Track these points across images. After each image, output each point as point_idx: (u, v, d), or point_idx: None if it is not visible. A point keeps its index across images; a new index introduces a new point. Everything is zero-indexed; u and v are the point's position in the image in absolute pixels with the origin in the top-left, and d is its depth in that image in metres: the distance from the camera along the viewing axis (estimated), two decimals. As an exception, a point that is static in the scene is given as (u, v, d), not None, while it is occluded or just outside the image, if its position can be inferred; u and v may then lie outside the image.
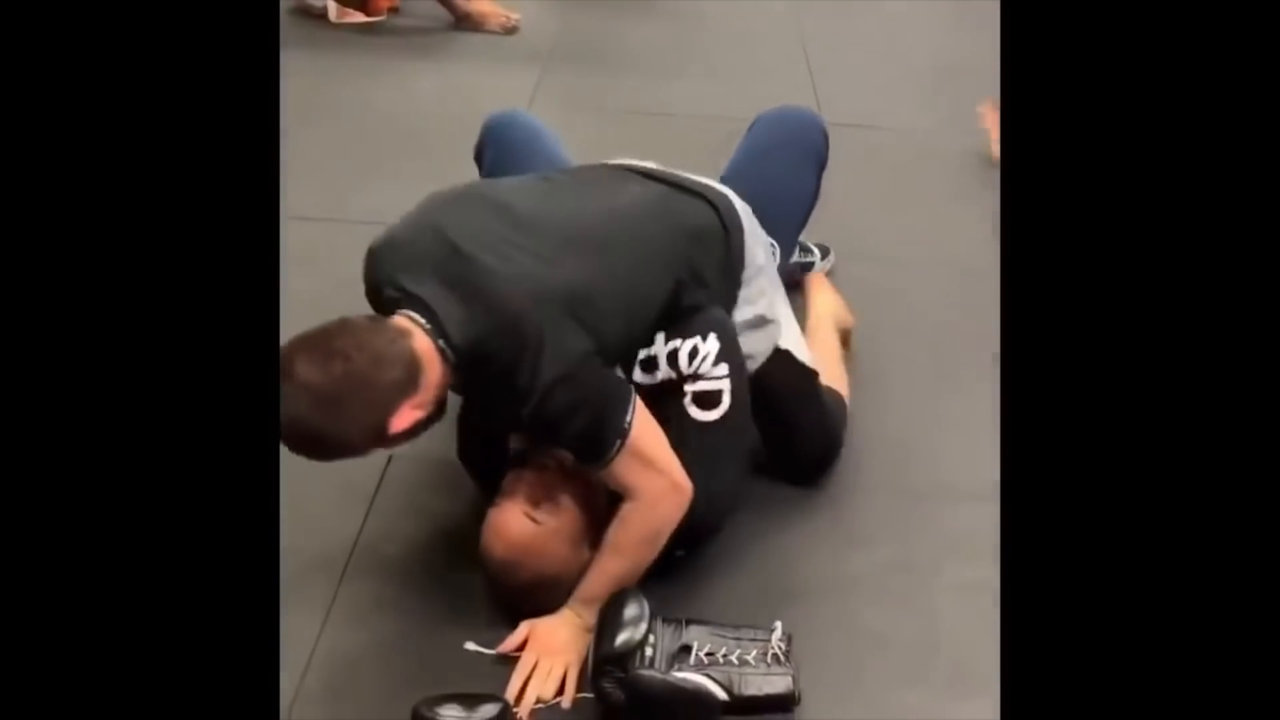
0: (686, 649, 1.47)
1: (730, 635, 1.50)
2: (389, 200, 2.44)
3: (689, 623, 1.51)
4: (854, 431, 1.94)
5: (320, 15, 3.71)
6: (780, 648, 1.49)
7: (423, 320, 1.44)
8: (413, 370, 1.40)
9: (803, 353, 1.78)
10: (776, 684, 1.45)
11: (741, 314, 1.72)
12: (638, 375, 1.61)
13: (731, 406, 1.61)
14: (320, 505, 1.80)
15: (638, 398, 1.51)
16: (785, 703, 1.46)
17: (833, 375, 1.92)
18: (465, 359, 1.44)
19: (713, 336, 1.59)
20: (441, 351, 1.43)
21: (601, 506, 1.57)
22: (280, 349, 1.34)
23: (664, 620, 1.49)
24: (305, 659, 1.55)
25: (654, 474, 1.52)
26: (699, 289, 1.63)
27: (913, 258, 2.53)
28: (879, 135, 3.07)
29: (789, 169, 1.99)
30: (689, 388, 1.59)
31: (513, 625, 1.56)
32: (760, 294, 1.74)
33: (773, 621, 1.53)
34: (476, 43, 3.67)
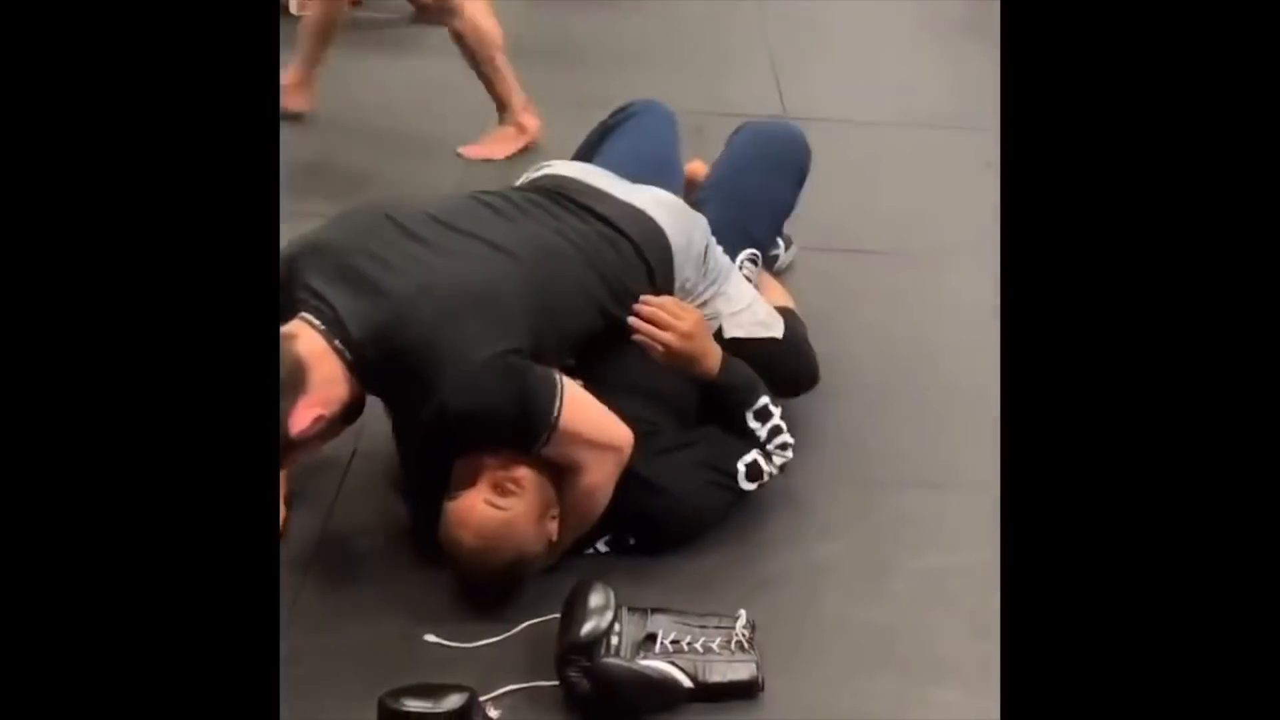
0: (651, 637, 1.48)
1: (695, 623, 1.51)
2: (348, 196, 2.44)
3: (654, 611, 1.52)
4: (815, 422, 1.96)
5: (281, 8, 3.68)
6: (744, 635, 1.50)
7: (315, 321, 1.46)
8: (297, 371, 1.42)
9: (756, 320, 1.85)
10: (740, 671, 1.46)
11: None
12: (751, 421, 1.72)
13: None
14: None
15: (565, 382, 1.53)
16: (750, 689, 1.47)
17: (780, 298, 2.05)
18: (369, 356, 1.46)
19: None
20: (338, 351, 1.45)
21: (547, 471, 1.58)
22: None
23: (629, 609, 1.50)
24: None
25: (591, 448, 1.56)
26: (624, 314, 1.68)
27: (876, 250, 2.56)
28: (841, 129, 3.09)
29: (770, 184, 2.09)
30: (757, 454, 1.71)
31: (477, 616, 1.56)
32: (699, 304, 1.80)
33: (737, 610, 1.54)
34: (440, 36, 3.64)
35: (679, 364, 1.69)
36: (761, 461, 1.71)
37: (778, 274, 2.34)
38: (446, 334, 1.47)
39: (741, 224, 1.99)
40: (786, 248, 2.38)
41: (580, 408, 1.54)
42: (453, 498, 1.55)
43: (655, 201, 1.82)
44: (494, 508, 1.52)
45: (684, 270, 1.79)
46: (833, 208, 2.68)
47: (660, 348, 1.66)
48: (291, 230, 1.73)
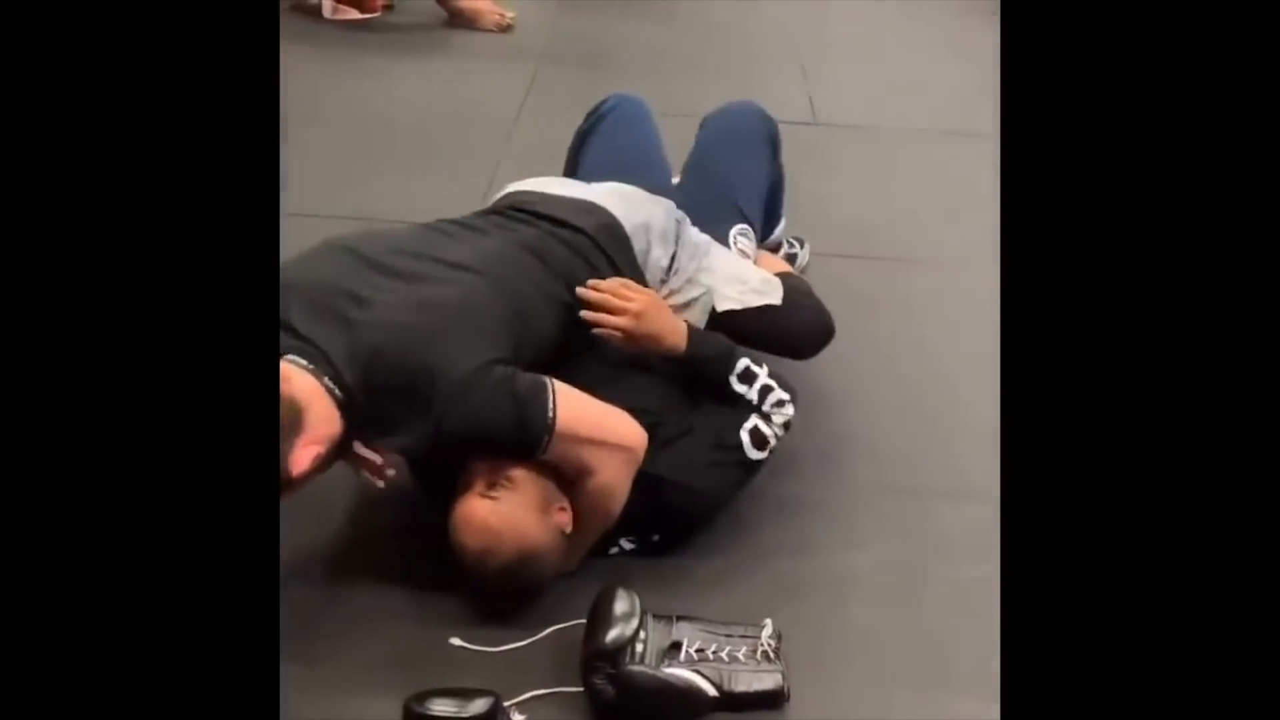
0: (677, 645, 1.47)
1: (721, 632, 1.50)
2: (381, 196, 2.45)
3: (679, 619, 1.51)
4: (844, 430, 1.95)
5: (314, 11, 3.71)
6: (770, 645, 1.49)
7: (303, 361, 1.47)
8: (296, 412, 1.43)
9: (749, 289, 1.84)
10: (766, 681, 1.46)
11: (670, 303, 1.79)
12: (737, 386, 1.69)
13: None
14: (303, 505, 1.80)
15: (556, 384, 1.53)
16: (775, 700, 1.46)
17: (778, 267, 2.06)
18: (358, 390, 1.47)
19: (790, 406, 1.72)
20: (328, 389, 1.46)
21: (549, 468, 1.58)
22: None
23: (654, 616, 1.50)
24: (298, 658, 1.54)
25: (596, 447, 1.55)
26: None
27: (904, 258, 2.54)
28: (870, 135, 3.08)
29: (741, 158, 2.10)
30: (756, 419, 1.69)
31: (499, 619, 1.56)
32: (685, 282, 1.82)
33: (762, 619, 1.53)
34: (471, 40, 3.68)
35: (642, 347, 1.69)
36: (763, 426, 1.69)
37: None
38: (430, 354, 1.48)
39: (723, 201, 2.00)
40: (801, 247, 2.37)
41: (576, 407, 1.54)
42: (453, 503, 1.55)
43: (608, 191, 1.85)
44: (487, 502, 1.52)
45: (653, 249, 1.80)
46: (862, 214, 2.68)
47: (616, 334, 1.67)
48: (286, 226, 1.75)
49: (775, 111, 2.27)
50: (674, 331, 1.71)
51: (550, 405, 1.51)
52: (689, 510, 1.68)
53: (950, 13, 4.13)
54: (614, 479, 1.58)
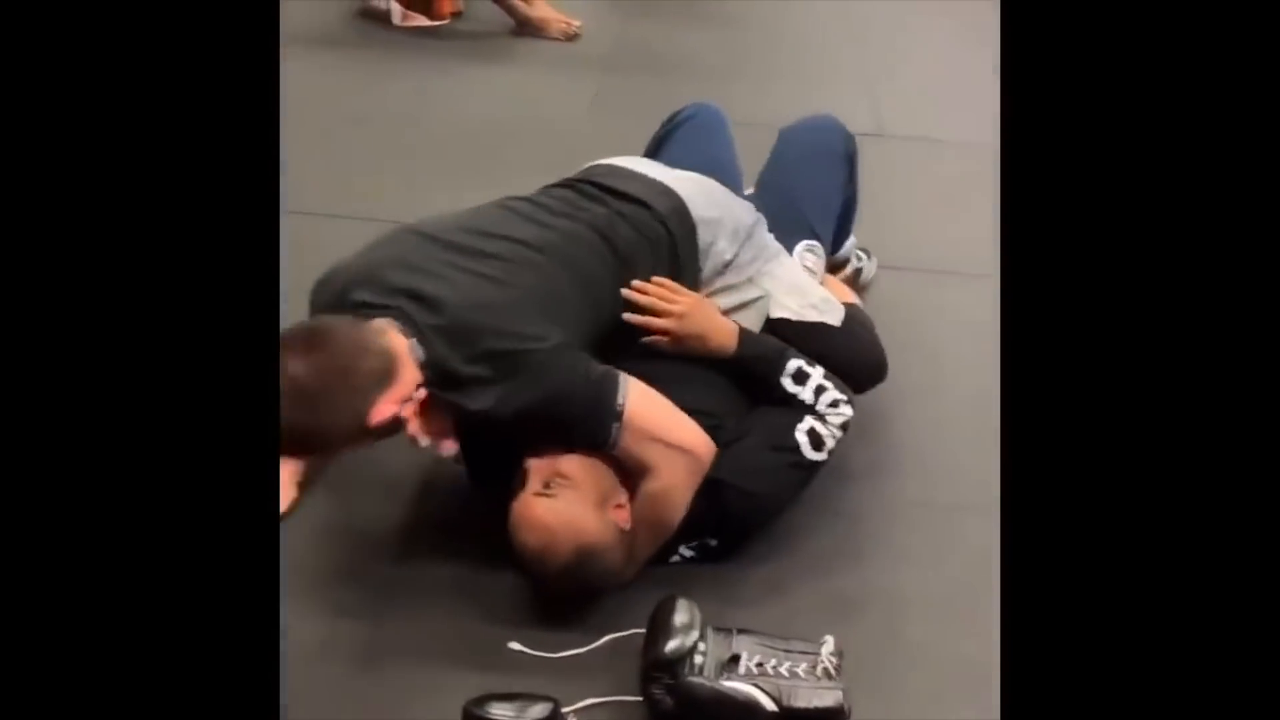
0: (736, 659, 1.46)
1: (780, 647, 1.49)
2: (448, 202, 2.48)
3: (739, 632, 1.50)
4: (908, 445, 1.92)
5: (384, 18, 3.76)
6: (831, 662, 1.48)
7: (397, 323, 1.48)
8: (391, 363, 1.44)
9: (807, 303, 1.83)
10: (826, 698, 1.44)
11: (726, 300, 1.78)
12: (790, 386, 1.68)
13: None
14: (367, 507, 1.82)
15: (628, 377, 1.53)
16: (835, 717, 1.45)
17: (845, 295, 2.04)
18: (443, 357, 1.48)
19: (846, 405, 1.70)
20: (415, 356, 1.47)
21: (609, 466, 1.58)
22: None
23: (714, 629, 1.49)
24: (357, 657, 1.56)
25: (663, 448, 1.55)
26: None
27: (969, 273, 2.51)
28: (938, 148, 3.05)
29: (810, 174, 2.09)
30: (812, 420, 1.67)
31: (562, 623, 1.57)
32: (745, 280, 1.81)
33: (820, 631, 1.52)
34: (537, 48, 3.70)
35: (689, 348, 1.68)
36: (819, 427, 1.67)
37: (862, 288, 2.30)
38: (507, 334, 1.49)
39: (794, 215, 1.99)
40: (867, 259, 2.35)
41: (646, 401, 1.54)
42: (508, 504, 1.56)
43: (688, 179, 1.84)
44: (544, 499, 1.53)
45: (718, 242, 1.79)
46: (928, 228, 2.65)
47: (663, 338, 1.66)
48: (356, 229, 1.78)
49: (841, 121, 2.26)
50: (721, 331, 1.71)
51: (621, 394, 1.51)
52: (749, 514, 1.67)
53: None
54: (676, 483, 1.57)
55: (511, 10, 3.74)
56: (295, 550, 1.71)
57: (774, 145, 2.18)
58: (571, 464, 1.55)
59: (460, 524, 1.78)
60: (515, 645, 1.55)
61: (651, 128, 2.21)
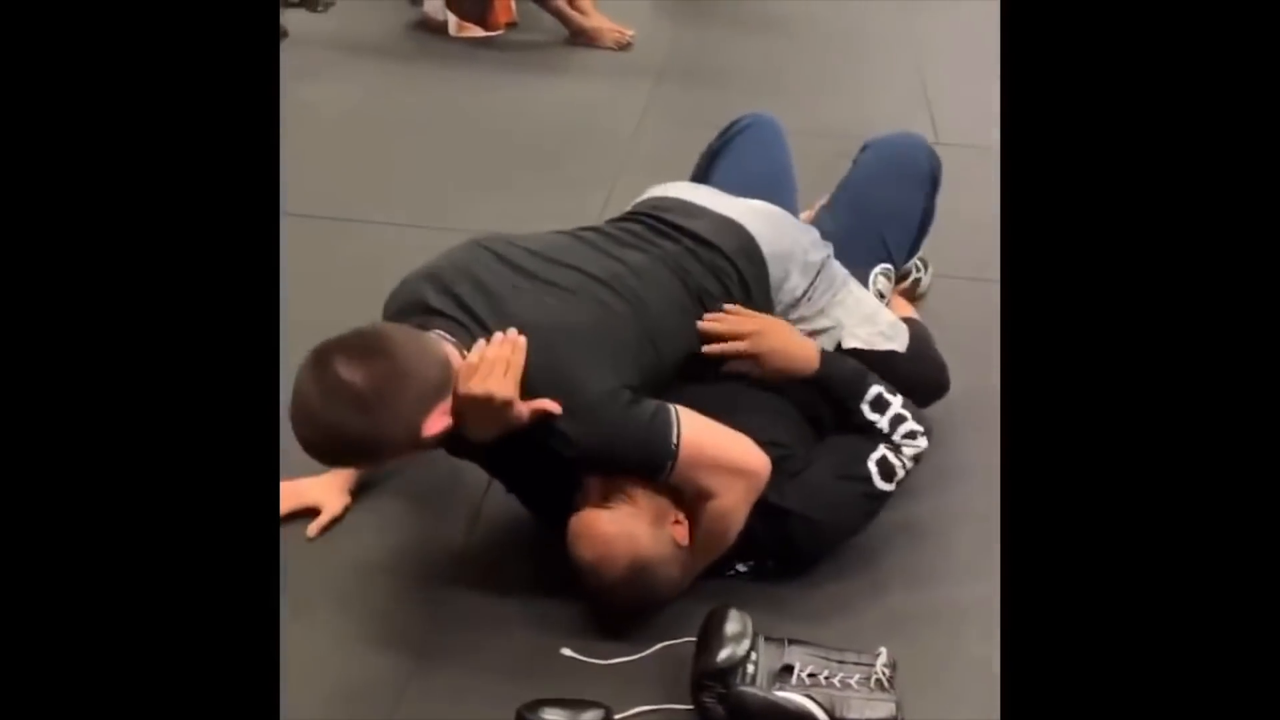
0: (789, 669, 1.46)
1: (834, 658, 1.48)
2: (503, 210, 2.49)
3: (791, 643, 1.50)
4: (963, 458, 1.90)
5: (441, 29, 3.82)
6: (884, 674, 1.46)
7: (451, 337, 1.48)
8: (446, 373, 1.43)
9: (876, 331, 1.82)
10: (879, 710, 1.43)
11: (798, 330, 1.78)
12: (868, 413, 1.67)
13: None
14: (425, 512, 1.84)
15: (680, 410, 1.53)
16: (888, 729, 1.44)
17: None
18: None
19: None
20: None
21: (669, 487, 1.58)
22: (312, 353, 1.37)
23: (766, 639, 1.48)
24: (412, 660, 1.58)
25: (721, 472, 1.54)
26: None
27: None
28: (994, 155, 3.01)
29: (895, 196, 2.05)
30: (885, 450, 1.66)
31: (610, 632, 1.57)
32: (816, 312, 1.80)
33: (876, 647, 1.51)
34: (591, 58, 3.73)
35: (774, 366, 1.68)
36: (891, 457, 1.65)
37: (918, 298, 2.29)
38: (560, 369, 1.48)
39: (873, 237, 1.97)
40: (924, 270, 2.33)
41: (701, 433, 1.53)
42: (572, 517, 1.56)
43: (750, 210, 1.83)
44: (604, 513, 1.53)
45: (790, 277, 1.78)
46: (984, 237, 2.61)
47: (745, 363, 1.66)
48: (410, 236, 1.79)
49: (894, 130, 2.24)
50: (803, 347, 1.71)
51: (675, 433, 1.50)
52: (814, 543, 1.66)
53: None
54: (734, 503, 1.57)
55: (566, 20, 3.77)
56: (351, 558, 1.74)
57: (859, 157, 2.15)
58: (631, 482, 1.55)
59: (515, 530, 1.79)
60: (567, 651, 1.56)
61: (704, 137, 2.21)
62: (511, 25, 3.87)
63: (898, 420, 1.67)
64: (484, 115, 3.27)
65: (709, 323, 1.67)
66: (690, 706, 1.46)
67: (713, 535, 1.60)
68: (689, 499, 1.57)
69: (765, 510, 1.60)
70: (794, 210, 2.01)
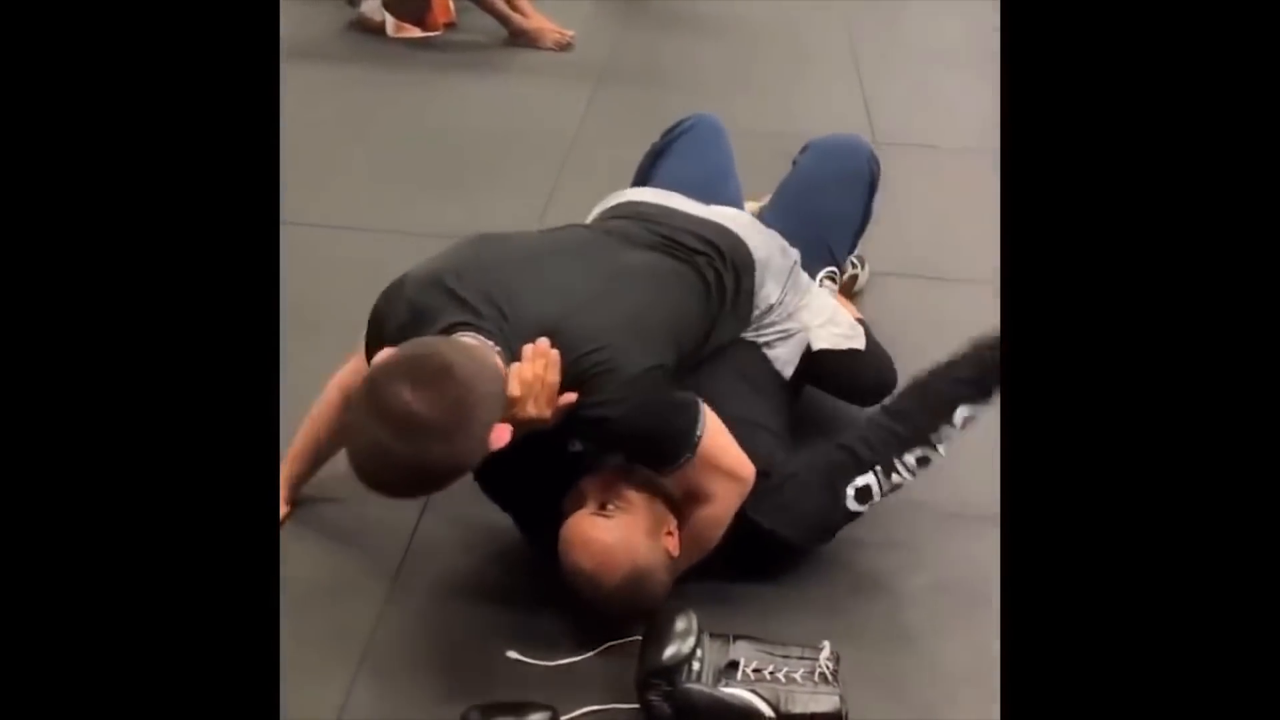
0: (734, 665, 1.46)
1: (778, 653, 1.49)
2: (442, 212, 2.48)
3: (736, 638, 1.50)
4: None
5: (378, 29, 3.78)
6: (828, 667, 1.48)
7: (489, 339, 1.43)
8: (501, 384, 1.38)
9: (839, 333, 1.85)
10: (824, 703, 1.44)
11: (766, 335, 1.80)
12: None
13: None
14: (371, 517, 1.82)
15: (705, 407, 1.53)
16: (833, 722, 1.45)
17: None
18: None
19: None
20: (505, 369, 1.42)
21: (665, 493, 1.58)
22: (364, 387, 1.30)
23: (711, 635, 1.49)
24: (355, 665, 1.56)
25: (721, 476, 1.55)
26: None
27: (960, 279, 2.52)
28: (933, 155, 3.06)
29: (838, 199, 2.08)
30: (870, 477, 1.63)
31: (557, 634, 1.57)
32: (786, 316, 1.82)
33: (820, 640, 1.52)
34: (531, 59, 3.72)
35: None
36: (874, 485, 1.63)
37: (855, 295, 2.32)
38: (603, 350, 1.45)
39: (817, 241, 1.99)
40: (861, 267, 2.36)
41: (718, 435, 1.54)
42: (565, 522, 1.55)
43: (734, 218, 1.85)
44: (601, 520, 1.52)
45: (765, 284, 1.79)
46: (918, 234, 2.65)
47: None
48: (349, 240, 1.77)
49: (834, 129, 2.26)
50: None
51: (699, 427, 1.50)
52: (781, 557, 1.67)
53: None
54: (726, 510, 1.57)
55: (505, 21, 3.76)
56: (294, 561, 1.71)
57: (799, 158, 2.17)
58: (629, 488, 1.54)
59: (464, 536, 1.78)
60: (513, 654, 1.55)
61: (646, 137, 2.22)
62: (450, 26, 3.85)
63: (924, 462, 1.65)
64: (422, 117, 3.25)
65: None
66: (636, 705, 1.46)
67: (698, 540, 1.59)
68: (679, 502, 1.57)
69: (745, 524, 1.60)
70: (739, 206, 2.02)
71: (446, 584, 1.69)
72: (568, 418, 1.46)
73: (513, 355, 1.42)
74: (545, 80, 3.56)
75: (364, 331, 1.57)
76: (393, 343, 1.40)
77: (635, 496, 1.55)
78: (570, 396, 1.44)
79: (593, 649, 1.56)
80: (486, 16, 3.78)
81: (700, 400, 1.53)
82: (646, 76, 3.59)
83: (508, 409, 1.38)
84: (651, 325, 1.55)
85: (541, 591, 1.62)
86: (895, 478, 1.64)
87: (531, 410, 1.40)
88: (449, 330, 1.44)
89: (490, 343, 1.42)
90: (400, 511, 1.80)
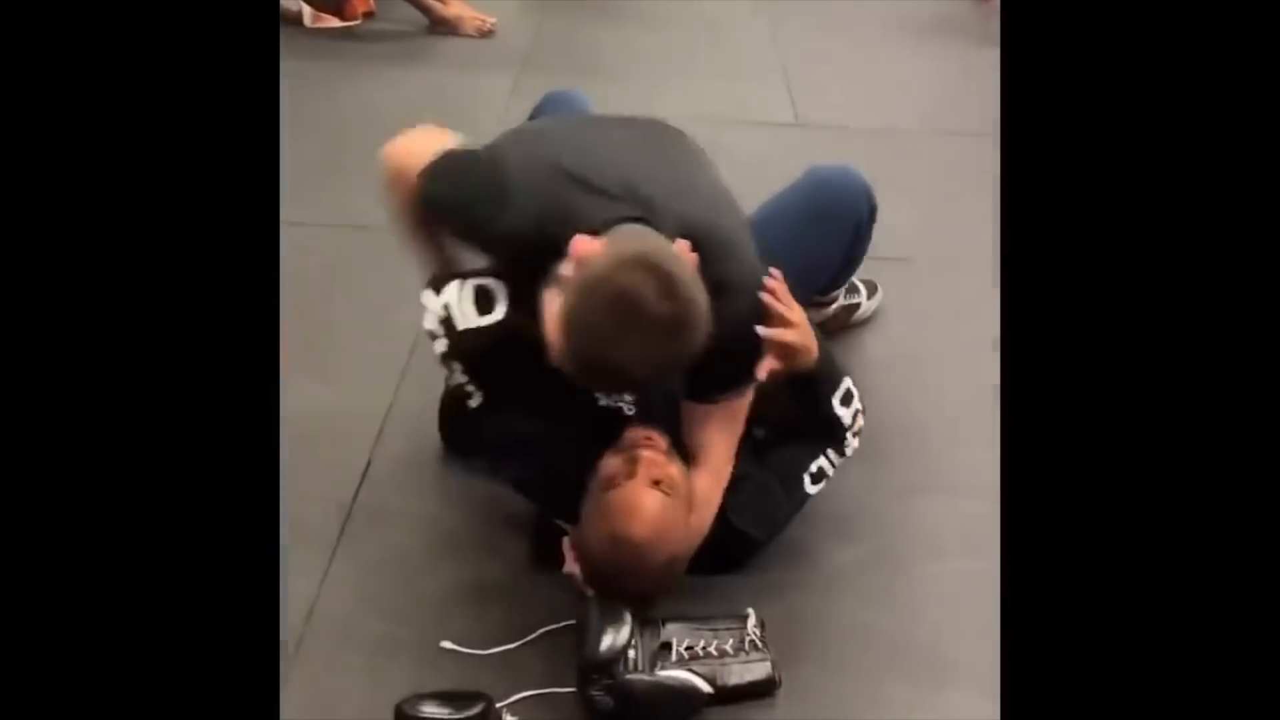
0: (667, 646, 1.47)
1: (706, 627, 1.50)
2: (361, 204, 2.45)
3: (665, 621, 1.50)
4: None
5: (295, 20, 3.71)
6: (755, 634, 1.49)
7: (660, 231, 1.44)
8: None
9: None
10: (756, 670, 1.46)
11: None
12: (836, 404, 1.65)
13: None
14: (303, 507, 1.79)
15: None
16: (768, 688, 1.47)
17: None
18: None
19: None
20: None
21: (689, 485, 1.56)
22: (600, 289, 1.30)
23: (642, 621, 1.49)
24: (286, 660, 1.54)
25: (730, 440, 1.58)
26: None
27: (888, 257, 2.55)
28: (854, 136, 3.10)
29: (823, 240, 1.98)
30: (822, 460, 1.66)
31: (492, 622, 1.57)
32: None
33: (744, 609, 1.53)
34: (452, 47, 3.68)
35: (794, 364, 1.58)
36: (827, 465, 1.65)
37: (857, 324, 2.28)
38: (743, 263, 1.52)
39: (793, 273, 1.75)
40: (870, 295, 2.29)
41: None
42: (616, 486, 1.47)
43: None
44: (660, 496, 1.46)
45: None
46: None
47: (790, 352, 1.56)
48: (303, 239, 1.74)
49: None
50: (815, 344, 1.61)
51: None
52: (744, 556, 1.66)
53: (935, 11, 4.16)
54: (717, 497, 1.59)
55: (426, 9, 3.71)
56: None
57: (797, 184, 2.00)
58: (676, 471, 1.51)
59: (397, 527, 1.76)
60: (447, 644, 1.54)
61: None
62: (369, 15, 3.79)
63: (857, 414, 1.67)
64: (341, 108, 3.20)
65: (776, 286, 1.54)
66: (573, 689, 1.46)
67: (701, 529, 1.57)
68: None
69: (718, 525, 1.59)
70: None
71: (377, 574, 1.67)
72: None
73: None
74: (467, 68, 3.53)
75: None
76: (510, 237, 1.49)
77: (681, 481, 1.51)
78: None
79: (526, 636, 1.56)
80: (406, 5, 3.73)
81: None
82: (570, 63, 3.58)
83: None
84: (744, 220, 1.62)
85: (480, 578, 1.62)
86: (848, 448, 1.69)
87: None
88: (610, 226, 1.43)
89: (660, 232, 1.44)
90: (332, 506, 1.78)
